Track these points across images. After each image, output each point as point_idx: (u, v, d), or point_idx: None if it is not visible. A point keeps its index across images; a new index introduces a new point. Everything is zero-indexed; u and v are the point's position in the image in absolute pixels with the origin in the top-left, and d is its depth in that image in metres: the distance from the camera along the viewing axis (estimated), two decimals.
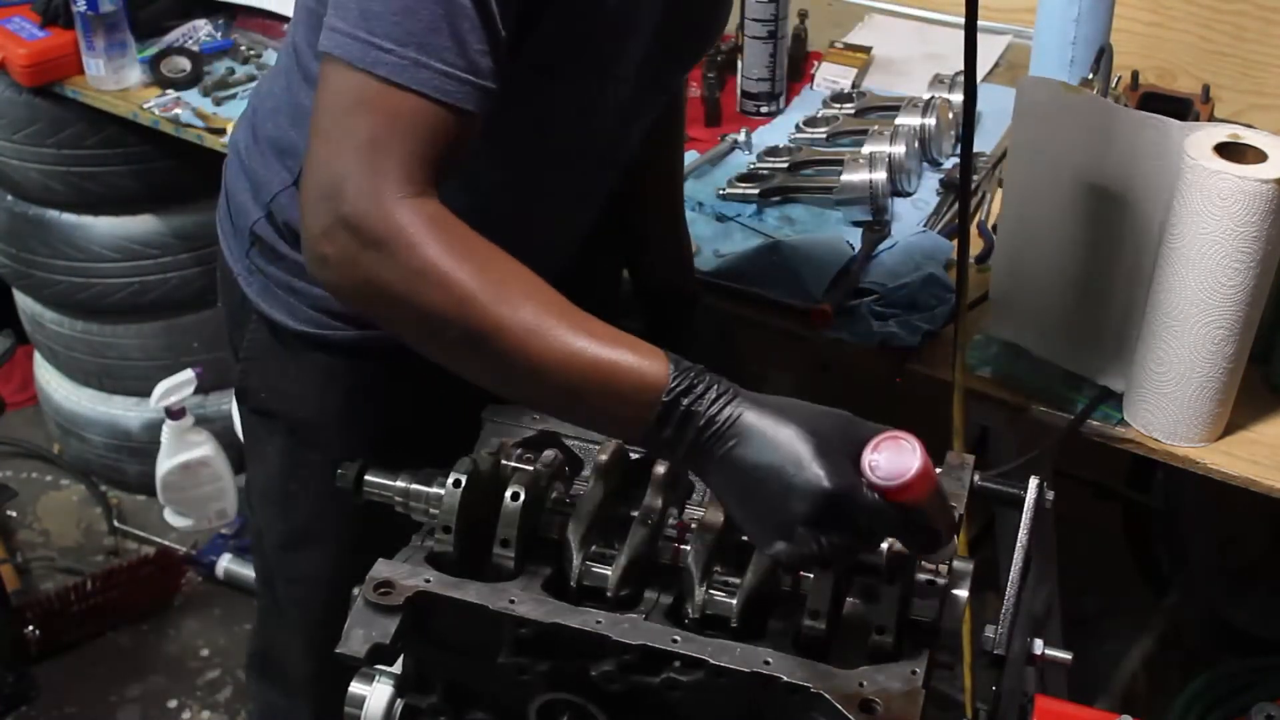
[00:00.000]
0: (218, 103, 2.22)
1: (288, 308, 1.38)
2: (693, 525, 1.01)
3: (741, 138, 2.07)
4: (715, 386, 0.97)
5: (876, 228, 1.83)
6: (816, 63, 2.25)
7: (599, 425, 1.03)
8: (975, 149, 1.48)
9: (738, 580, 0.97)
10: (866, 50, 2.27)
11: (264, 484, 1.53)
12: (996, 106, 1.94)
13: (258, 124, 1.39)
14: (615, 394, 0.97)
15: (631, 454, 1.06)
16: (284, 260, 1.36)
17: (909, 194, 1.92)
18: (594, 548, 1.00)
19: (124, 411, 2.81)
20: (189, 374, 2.60)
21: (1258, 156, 1.37)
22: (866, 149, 1.89)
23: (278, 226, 1.35)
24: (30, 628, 2.53)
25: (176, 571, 2.72)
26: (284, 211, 1.34)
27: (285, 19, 2.29)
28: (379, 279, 1.02)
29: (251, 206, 1.38)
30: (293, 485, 1.49)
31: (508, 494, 1.00)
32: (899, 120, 1.97)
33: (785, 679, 0.88)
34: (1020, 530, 1.02)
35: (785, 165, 1.96)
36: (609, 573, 0.98)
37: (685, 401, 0.95)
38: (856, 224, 1.86)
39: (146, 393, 2.66)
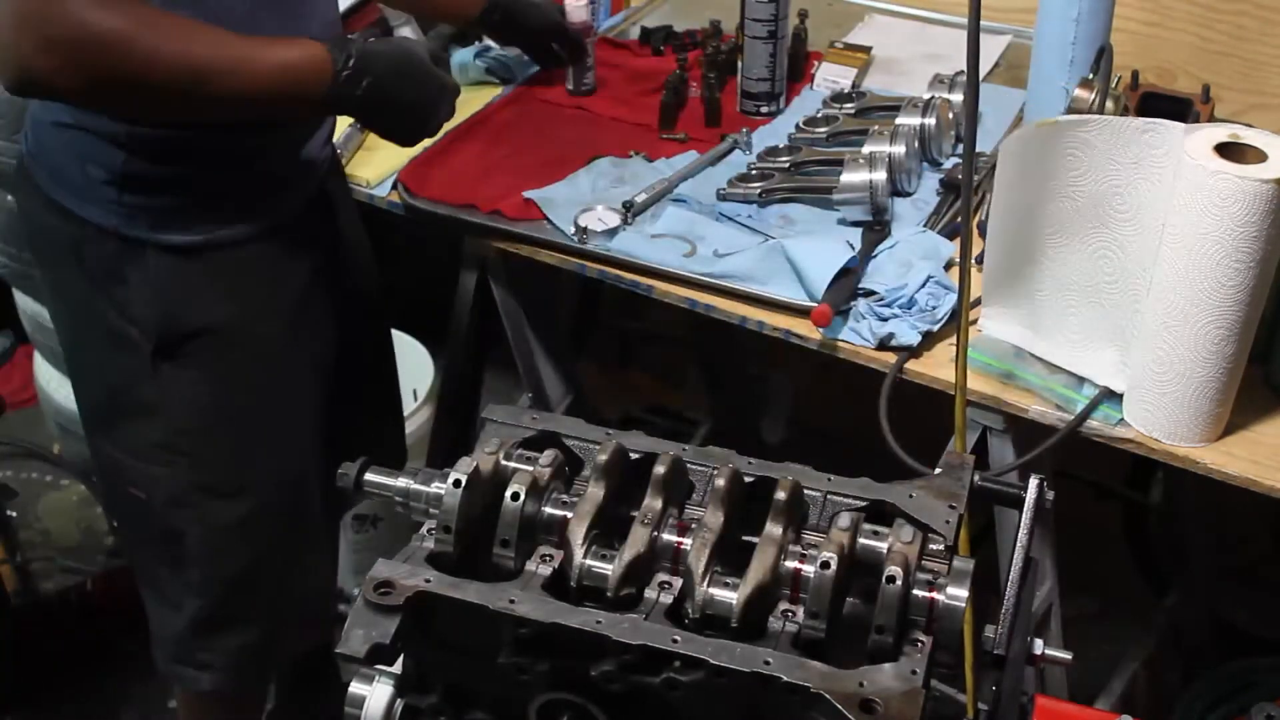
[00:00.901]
0: None
1: (182, 225, 1.57)
2: (693, 525, 1.01)
3: (741, 138, 2.07)
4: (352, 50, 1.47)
5: (876, 228, 1.83)
6: (816, 63, 2.26)
7: (298, 106, 1.50)
8: (976, 149, 1.48)
9: (738, 580, 0.97)
10: (866, 50, 2.27)
11: (195, 418, 1.64)
12: (997, 106, 1.94)
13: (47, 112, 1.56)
14: (308, 70, 1.46)
15: (631, 454, 1.06)
16: (159, 185, 1.55)
17: (909, 194, 1.92)
18: (594, 548, 1.00)
19: None
20: None
21: (1258, 156, 1.37)
22: (866, 149, 1.89)
23: (141, 157, 1.53)
24: (30, 628, 2.53)
25: None
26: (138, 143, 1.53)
27: None
28: (105, 74, 1.35)
29: (106, 154, 1.53)
30: (238, 398, 1.65)
31: (508, 494, 1.00)
32: (899, 120, 1.97)
33: (785, 679, 0.88)
34: (1020, 530, 1.02)
35: (785, 165, 1.96)
36: (609, 573, 0.98)
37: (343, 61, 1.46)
38: (856, 224, 1.86)
39: None
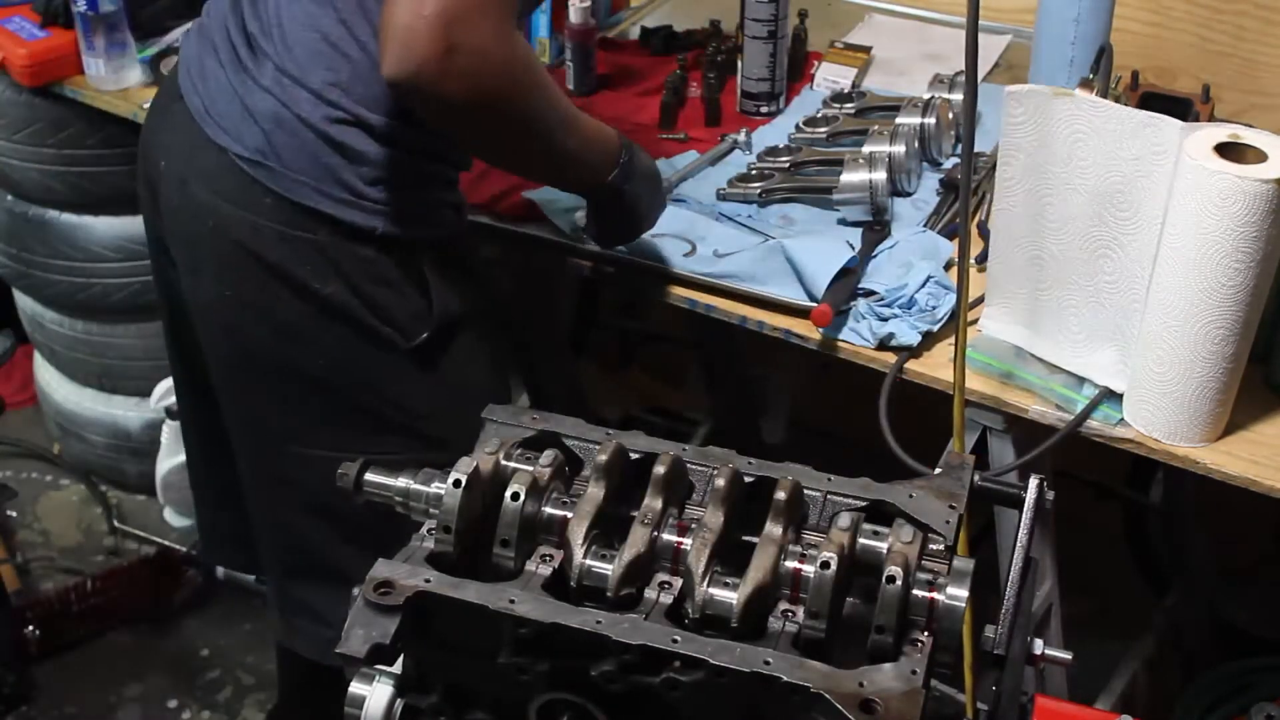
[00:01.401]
0: None
1: (433, 221, 1.61)
2: (693, 525, 1.01)
3: (741, 138, 2.07)
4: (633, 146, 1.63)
5: (876, 228, 1.83)
6: (816, 63, 2.26)
7: (586, 177, 1.60)
8: (976, 149, 1.48)
9: (738, 580, 0.97)
10: (866, 50, 2.27)
11: (441, 403, 1.64)
12: (997, 106, 1.93)
13: (317, 90, 1.51)
14: (605, 152, 1.59)
15: (631, 454, 1.06)
16: (415, 181, 1.57)
17: (909, 194, 1.92)
18: (594, 548, 1.00)
19: (124, 411, 2.81)
20: None
21: (1258, 156, 1.37)
22: (866, 149, 1.89)
23: (402, 152, 1.55)
24: (30, 628, 2.53)
25: (176, 571, 2.72)
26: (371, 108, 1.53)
27: None
28: (491, 97, 1.39)
29: (371, 154, 1.53)
30: (476, 378, 1.68)
31: (508, 494, 1.00)
32: (899, 120, 1.97)
33: (785, 679, 0.88)
34: (1020, 530, 1.02)
35: (785, 165, 1.96)
36: (609, 573, 0.98)
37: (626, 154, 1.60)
38: (856, 224, 1.86)
39: (146, 393, 2.66)
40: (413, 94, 1.38)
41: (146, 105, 2.21)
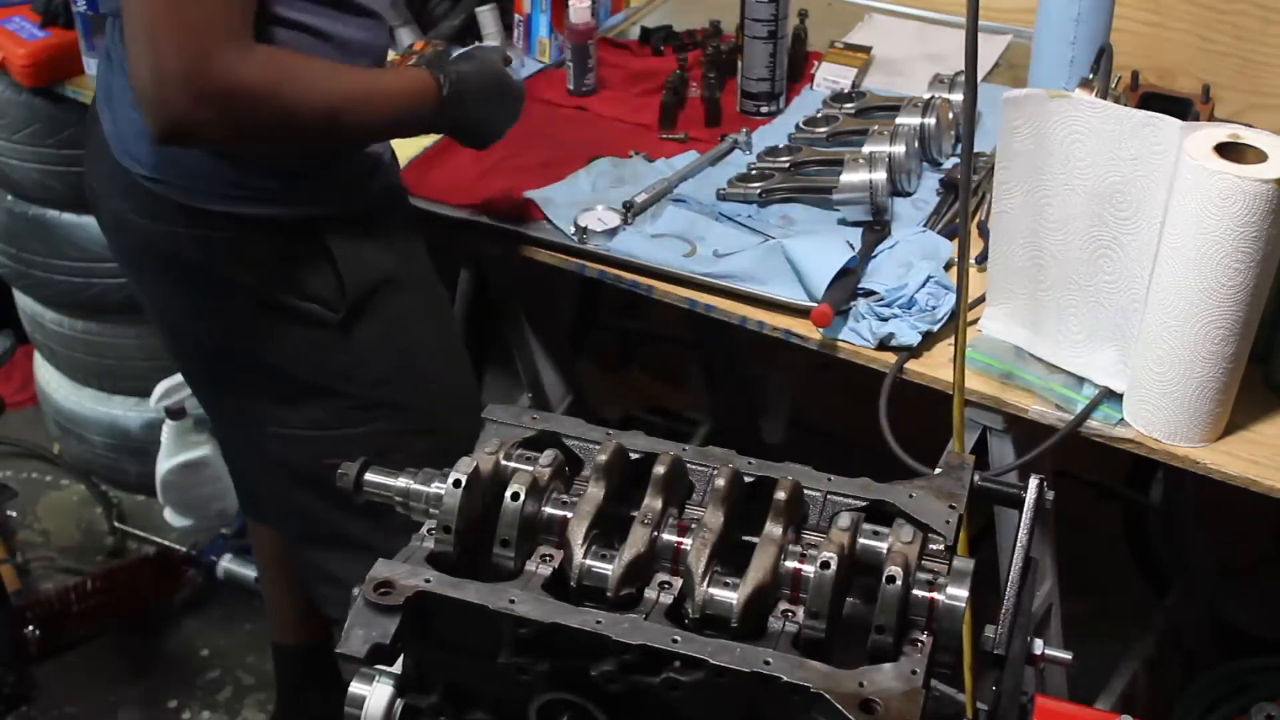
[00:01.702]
0: None
1: (341, 200, 1.65)
2: (693, 525, 1.01)
3: (741, 138, 2.07)
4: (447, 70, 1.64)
5: (876, 228, 1.83)
6: (816, 63, 2.25)
7: (413, 126, 1.66)
8: (976, 149, 1.48)
9: (738, 580, 0.97)
10: (866, 50, 2.27)
11: (388, 368, 1.71)
12: (997, 106, 1.93)
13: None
14: (421, 99, 1.62)
15: (631, 454, 1.06)
16: (312, 169, 1.62)
17: (909, 194, 1.92)
18: (594, 548, 1.00)
19: (124, 411, 2.81)
20: None
21: (1258, 156, 1.37)
22: (866, 149, 1.89)
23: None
24: (30, 628, 2.53)
25: (176, 571, 2.72)
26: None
27: None
28: (251, 122, 1.44)
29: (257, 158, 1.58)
30: (419, 336, 1.74)
31: (508, 494, 1.00)
32: (899, 120, 1.97)
33: (785, 679, 0.88)
34: (1020, 530, 1.02)
35: (785, 165, 1.96)
36: (609, 573, 0.98)
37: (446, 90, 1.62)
38: (856, 224, 1.86)
39: (146, 393, 2.66)
40: (185, 144, 1.48)
41: None
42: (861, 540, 0.99)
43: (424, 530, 1.04)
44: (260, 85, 1.43)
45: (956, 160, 1.98)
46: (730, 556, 1.00)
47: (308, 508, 1.80)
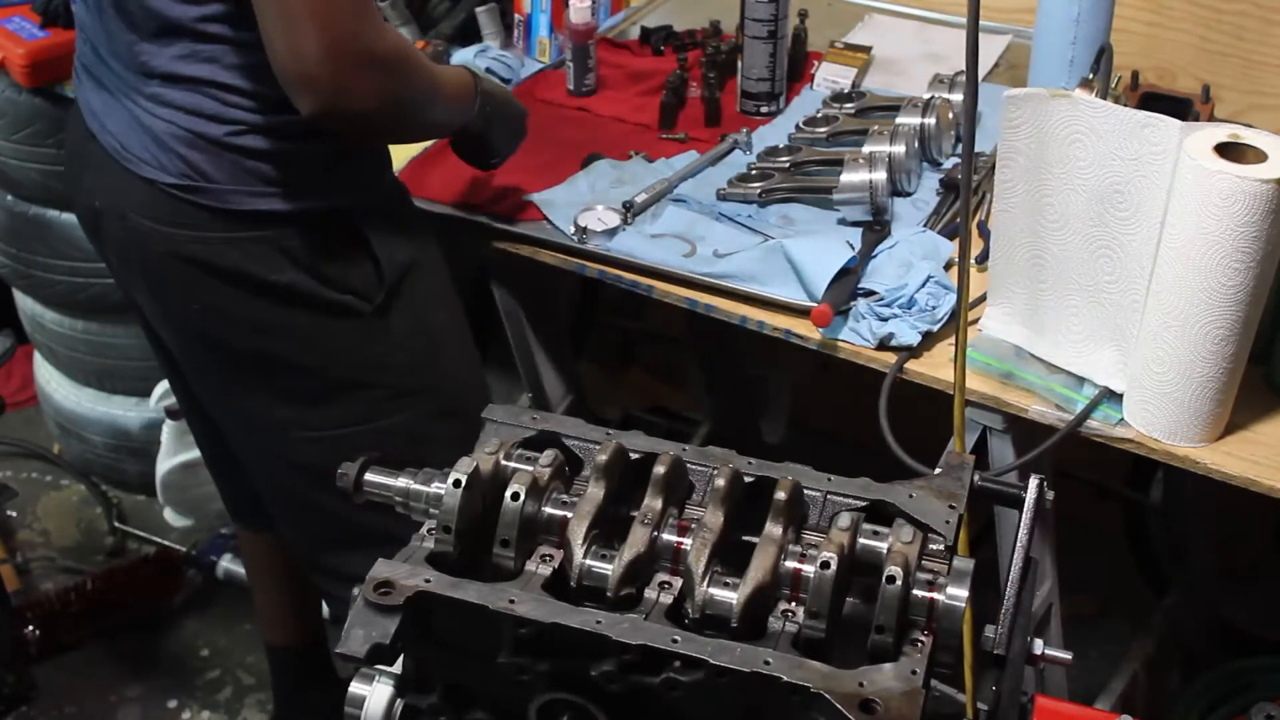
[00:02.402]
0: None
1: (366, 184, 1.67)
2: (693, 525, 1.01)
3: (741, 138, 2.07)
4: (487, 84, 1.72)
5: (876, 228, 1.83)
6: (816, 63, 2.25)
7: (448, 128, 1.71)
8: (976, 149, 1.48)
9: (738, 580, 0.97)
10: (866, 50, 2.27)
11: (419, 354, 1.72)
12: (997, 106, 1.93)
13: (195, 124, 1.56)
14: (464, 103, 1.67)
15: (631, 454, 1.06)
16: (346, 153, 1.63)
17: (909, 194, 1.92)
18: (594, 548, 1.00)
19: (124, 411, 2.81)
20: None
21: (1258, 156, 1.37)
22: (866, 149, 1.89)
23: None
24: (30, 628, 2.53)
25: (176, 571, 2.72)
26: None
27: None
28: (399, 93, 1.50)
29: (300, 144, 1.58)
30: (444, 319, 1.77)
31: (508, 494, 1.00)
32: (899, 120, 1.97)
33: (785, 679, 0.88)
34: (1020, 530, 1.02)
35: (785, 165, 1.96)
36: (609, 573, 0.98)
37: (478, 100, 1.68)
38: (856, 224, 1.86)
39: (146, 393, 2.66)
40: (336, 122, 1.48)
41: None
42: (861, 540, 0.99)
43: (424, 530, 1.04)
44: (398, 55, 1.48)
45: (956, 160, 1.98)
46: (730, 556, 1.00)
47: (330, 509, 1.76)
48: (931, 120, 1.97)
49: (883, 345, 1.66)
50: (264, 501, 1.93)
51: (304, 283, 1.62)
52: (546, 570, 1.00)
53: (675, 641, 0.91)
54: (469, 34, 2.33)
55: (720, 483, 1.02)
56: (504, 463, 1.06)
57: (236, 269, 1.61)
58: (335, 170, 1.63)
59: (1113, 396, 1.57)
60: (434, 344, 1.76)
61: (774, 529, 0.99)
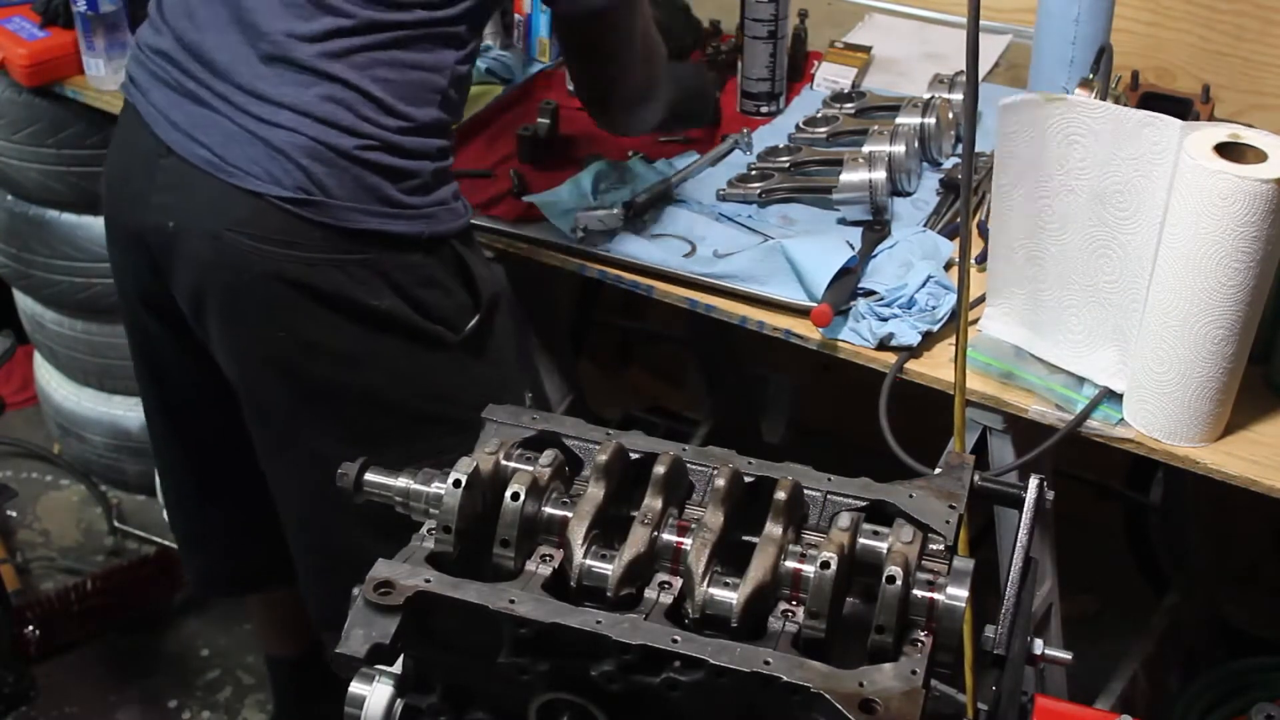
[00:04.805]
0: None
1: (458, 213, 1.65)
2: (693, 525, 1.01)
3: (742, 138, 2.07)
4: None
5: (876, 228, 1.83)
6: (816, 63, 2.26)
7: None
8: (976, 149, 1.48)
9: (738, 580, 0.97)
10: (866, 50, 2.27)
11: (494, 384, 1.66)
12: (997, 106, 1.93)
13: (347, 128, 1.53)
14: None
15: (631, 454, 1.06)
16: (444, 178, 1.63)
17: (909, 194, 1.92)
18: (594, 548, 1.00)
19: (124, 411, 2.81)
20: None
21: (1258, 156, 1.37)
22: (866, 149, 1.89)
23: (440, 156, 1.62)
24: (30, 628, 2.53)
25: (176, 571, 2.71)
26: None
27: None
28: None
29: (414, 163, 1.57)
30: (509, 352, 1.77)
31: (508, 494, 1.00)
32: (899, 120, 1.97)
33: (785, 679, 0.88)
34: (1020, 530, 1.02)
35: (785, 165, 1.96)
36: (609, 573, 0.98)
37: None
38: (856, 224, 1.86)
39: None
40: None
41: None
42: (861, 540, 0.99)
43: (424, 530, 1.04)
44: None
45: (956, 160, 1.98)
46: (730, 556, 1.00)
47: (368, 550, 1.70)
48: (931, 120, 1.97)
49: (883, 345, 1.66)
50: (290, 554, 1.81)
51: (401, 310, 1.58)
52: (546, 570, 1.00)
53: (675, 641, 0.91)
54: None
55: (720, 483, 1.02)
56: (504, 463, 1.06)
57: (337, 292, 1.55)
58: (443, 194, 1.61)
59: (1113, 396, 1.57)
60: (501, 378, 1.72)
61: (774, 529, 0.99)
